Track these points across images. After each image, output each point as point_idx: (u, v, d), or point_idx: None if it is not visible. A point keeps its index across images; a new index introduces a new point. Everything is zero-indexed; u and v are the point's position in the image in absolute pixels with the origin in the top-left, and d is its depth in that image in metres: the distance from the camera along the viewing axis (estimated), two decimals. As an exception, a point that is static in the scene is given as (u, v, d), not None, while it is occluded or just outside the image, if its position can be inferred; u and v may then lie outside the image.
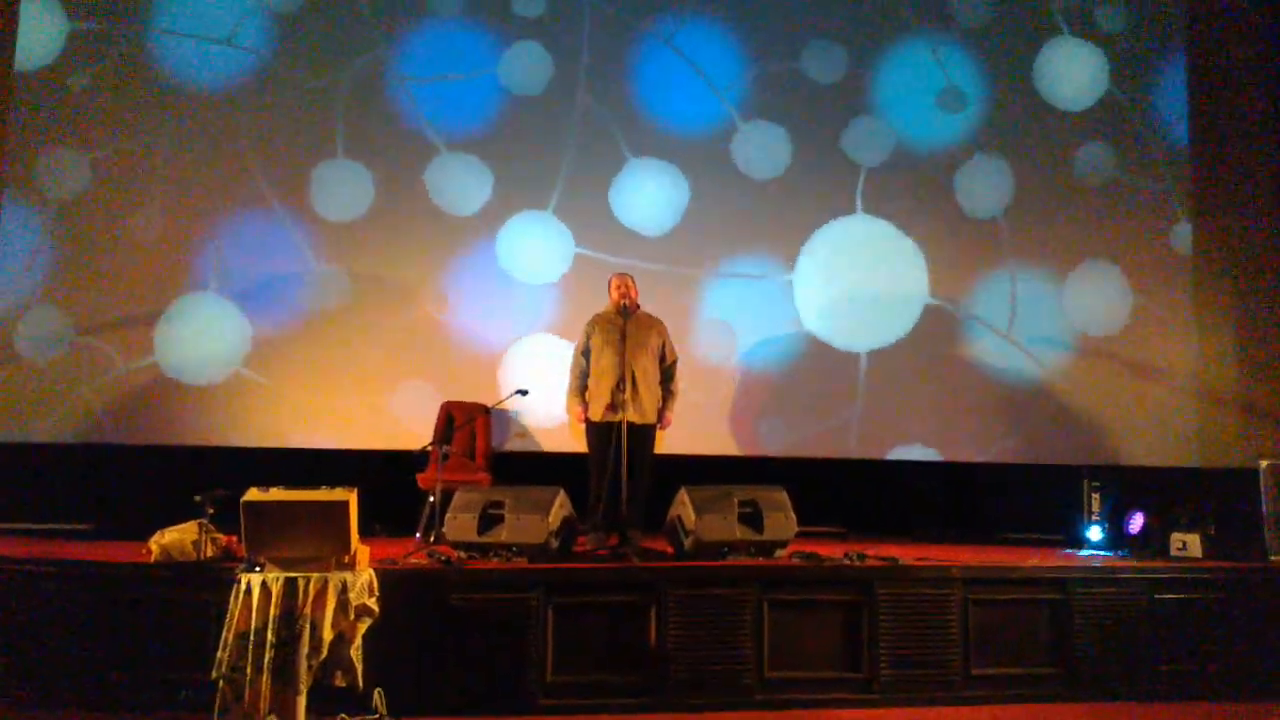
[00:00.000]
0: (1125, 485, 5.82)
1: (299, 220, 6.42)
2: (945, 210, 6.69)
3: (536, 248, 6.55)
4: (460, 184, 6.53)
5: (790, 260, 6.62)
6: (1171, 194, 6.77)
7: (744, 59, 6.73)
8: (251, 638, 3.77)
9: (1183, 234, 6.73)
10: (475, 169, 6.54)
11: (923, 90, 6.76)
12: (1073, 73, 6.82)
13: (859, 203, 6.67)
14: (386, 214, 6.48)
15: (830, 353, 6.59)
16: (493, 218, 6.53)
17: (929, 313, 6.63)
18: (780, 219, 6.62)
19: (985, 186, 6.72)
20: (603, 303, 5.58)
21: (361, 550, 4.05)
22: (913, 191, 6.68)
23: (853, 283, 6.61)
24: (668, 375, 5.47)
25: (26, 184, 6.28)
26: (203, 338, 6.29)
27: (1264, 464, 5.20)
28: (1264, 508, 5.11)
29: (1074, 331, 6.66)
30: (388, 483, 5.68)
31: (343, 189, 6.46)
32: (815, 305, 6.61)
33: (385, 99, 6.54)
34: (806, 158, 6.67)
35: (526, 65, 6.62)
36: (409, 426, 6.23)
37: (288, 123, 6.47)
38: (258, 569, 3.89)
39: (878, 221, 6.67)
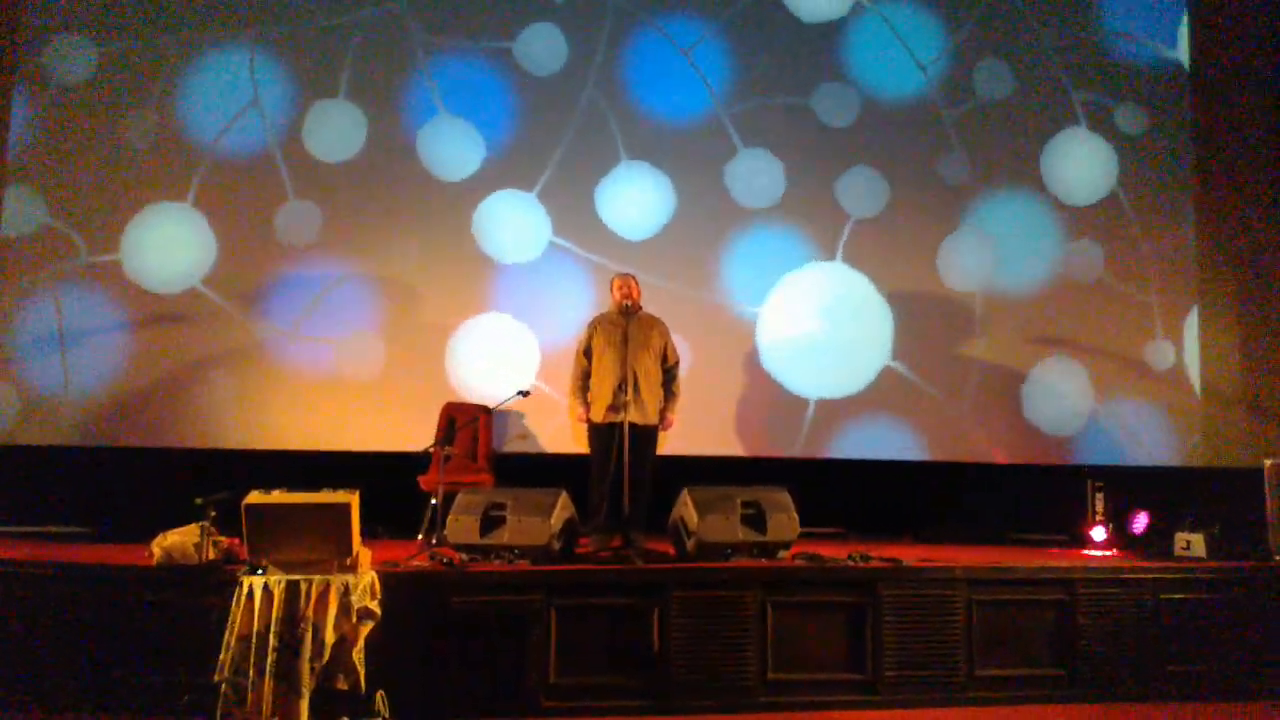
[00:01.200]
0: (1129, 485, 5.80)
1: (287, 151, 6.45)
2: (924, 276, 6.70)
3: (513, 227, 6.54)
4: (452, 149, 6.54)
5: (759, 294, 6.58)
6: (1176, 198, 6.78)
7: (754, 85, 6.71)
8: (254, 641, 3.76)
9: (1186, 240, 6.75)
10: (470, 138, 6.55)
11: (924, 154, 6.72)
12: (1080, 166, 6.80)
13: (840, 251, 6.64)
14: (373, 162, 6.50)
15: (780, 393, 6.56)
16: (476, 188, 6.54)
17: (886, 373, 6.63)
18: (759, 251, 6.57)
19: (968, 260, 6.70)
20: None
21: (363, 553, 4.04)
22: (895, 251, 6.64)
23: (816, 329, 6.56)
24: (670, 376, 5.46)
25: (35, 67, 6.37)
26: (170, 246, 6.33)
27: (1268, 463, 5.18)
28: (1268, 507, 5.09)
29: (1074, 330, 6.65)
30: (390, 485, 5.66)
31: (336, 130, 6.49)
32: (773, 342, 6.54)
33: (397, 50, 6.56)
34: (797, 195, 6.64)
35: (543, 46, 6.63)
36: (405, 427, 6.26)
37: (296, 54, 6.51)
38: (260, 572, 3.88)
39: (855, 273, 6.64)
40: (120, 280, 6.31)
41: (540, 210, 6.56)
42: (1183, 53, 6.92)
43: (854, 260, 6.66)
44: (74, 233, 6.30)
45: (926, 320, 6.63)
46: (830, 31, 6.77)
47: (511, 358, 6.44)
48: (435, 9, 6.61)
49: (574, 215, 6.56)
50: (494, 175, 6.55)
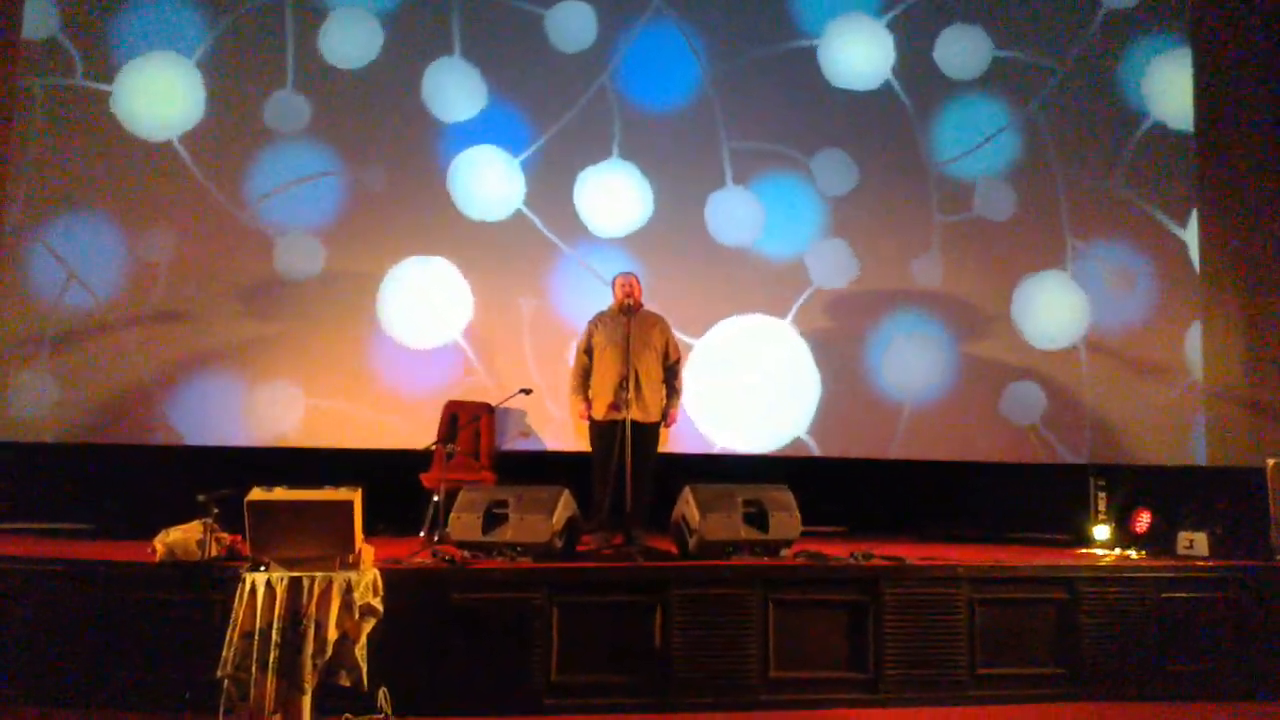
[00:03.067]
0: (1131, 484, 5.79)
1: (300, 44, 6.53)
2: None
3: (486, 185, 6.55)
4: (454, 91, 6.57)
5: (700, 329, 6.57)
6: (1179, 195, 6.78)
7: (764, 132, 6.70)
8: (256, 637, 3.76)
9: (1190, 232, 6.75)
10: (474, 86, 6.58)
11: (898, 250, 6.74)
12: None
13: (794, 313, 6.62)
14: (377, 79, 6.55)
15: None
16: (464, 136, 6.57)
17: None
18: (713, 287, 6.54)
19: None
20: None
21: (366, 550, 4.04)
22: (839, 327, 6.64)
23: (737, 382, 6.50)
24: (671, 374, 5.47)
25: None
26: (158, 94, 6.42)
27: (1271, 462, 5.16)
28: (1271, 506, 5.08)
29: (1080, 329, 6.64)
30: (392, 482, 5.67)
31: (352, 39, 6.54)
32: (693, 386, 6.43)
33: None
34: (768, 246, 6.63)
35: (574, 23, 6.66)
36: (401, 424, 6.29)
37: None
38: (262, 568, 3.88)
39: (799, 341, 6.62)
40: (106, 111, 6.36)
41: (519, 177, 6.57)
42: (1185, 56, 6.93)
43: (805, 326, 6.66)
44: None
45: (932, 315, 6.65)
46: (849, 100, 6.79)
47: (442, 308, 6.45)
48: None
49: (549, 192, 6.58)
50: (486, 129, 6.58)
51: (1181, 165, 6.81)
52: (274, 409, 6.31)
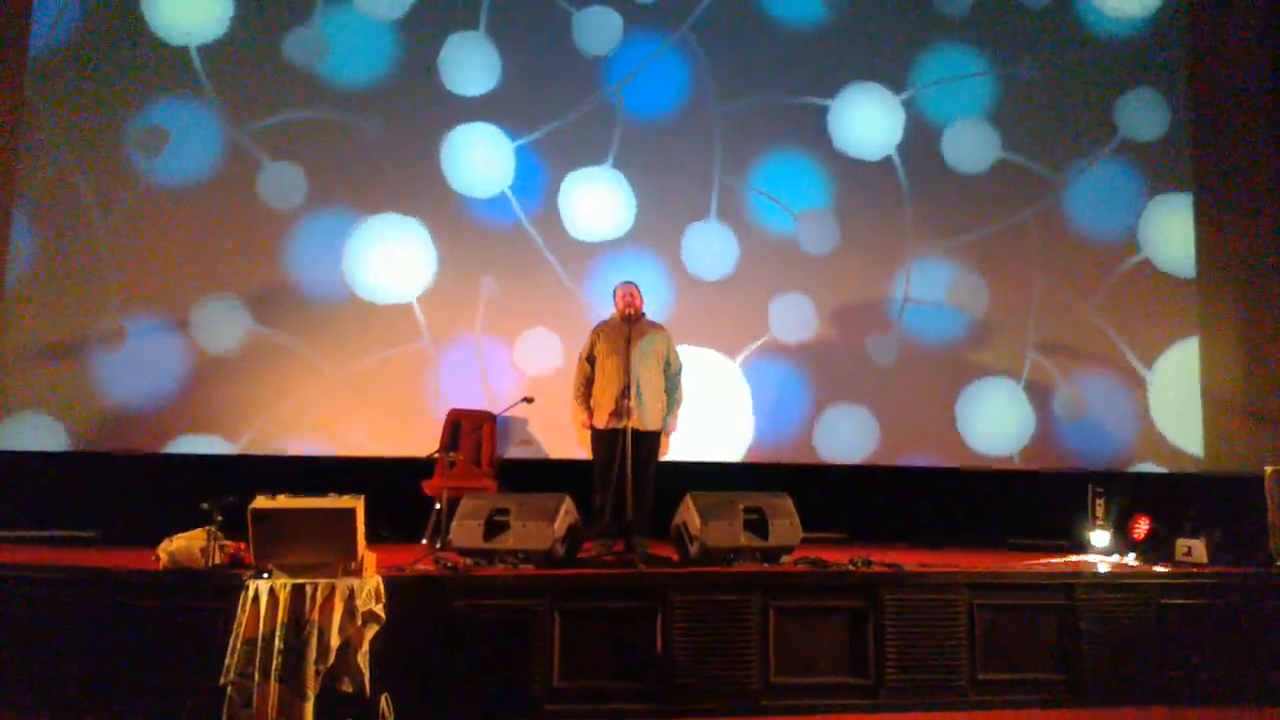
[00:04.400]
0: (1130, 491, 5.81)
1: None
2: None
3: (477, 160, 6.62)
4: (469, 64, 6.64)
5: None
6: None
7: (759, 176, 6.73)
8: (259, 644, 3.77)
9: (1186, 249, 6.78)
10: (490, 64, 6.65)
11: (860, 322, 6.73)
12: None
13: (744, 356, 6.61)
14: (401, 36, 6.65)
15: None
16: (467, 110, 6.64)
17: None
18: (672, 313, 6.45)
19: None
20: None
21: (368, 557, 4.06)
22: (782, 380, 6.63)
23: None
24: (672, 383, 5.49)
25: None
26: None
27: (1269, 470, 5.18)
28: (1270, 513, 5.10)
29: (1076, 336, 6.67)
30: (394, 490, 5.70)
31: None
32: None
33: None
34: (734, 286, 6.63)
35: (599, 29, 6.73)
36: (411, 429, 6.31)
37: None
38: (265, 576, 3.90)
39: (743, 385, 6.59)
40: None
41: (512, 161, 6.63)
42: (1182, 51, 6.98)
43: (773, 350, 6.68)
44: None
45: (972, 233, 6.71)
46: (848, 166, 6.81)
47: (404, 268, 6.52)
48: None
49: (536, 184, 6.63)
50: (491, 108, 6.65)
51: (1179, 173, 6.84)
52: (278, 416, 6.34)
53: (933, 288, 6.71)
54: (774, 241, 6.69)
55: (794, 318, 6.65)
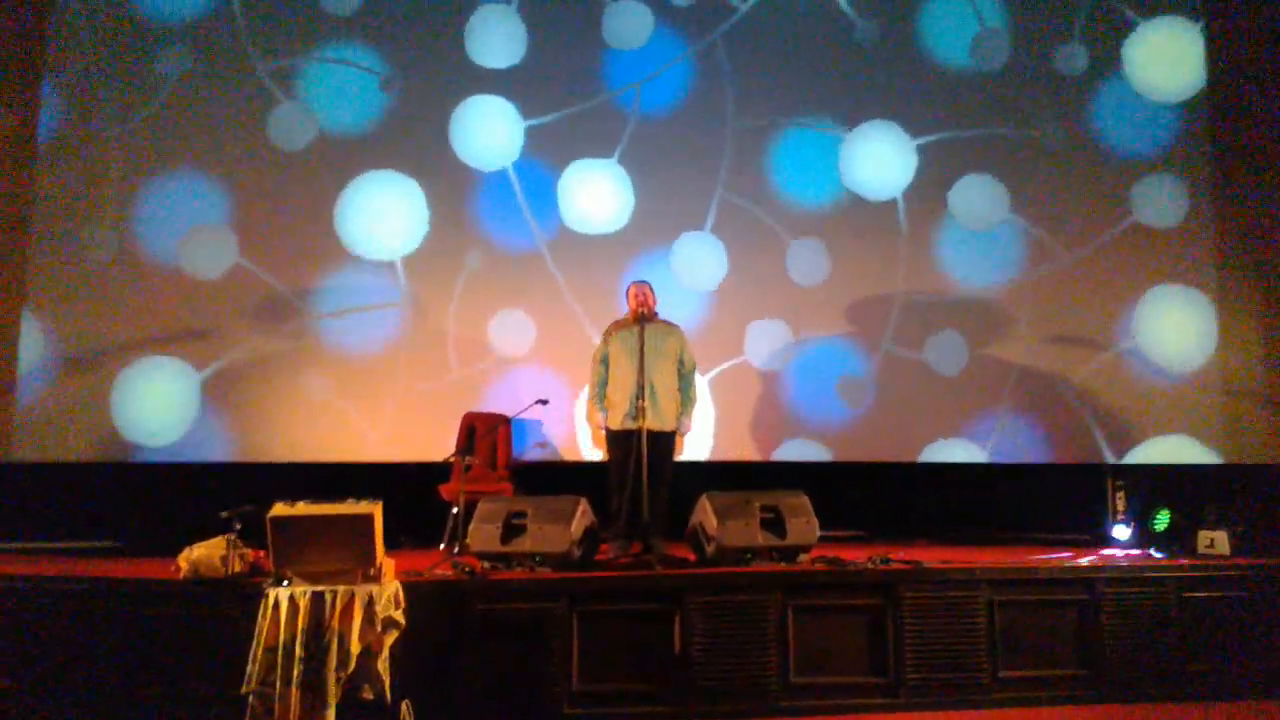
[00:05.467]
0: (1150, 483, 5.76)
1: None
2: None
3: (486, 133, 6.63)
4: (496, 37, 6.66)
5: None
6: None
7: (760, 196, 6.65)
8: (280, 652, 3.80)
9: (1206, 240, 6.67)
10: (515, 40, 6.65)
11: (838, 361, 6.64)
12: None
13: (714, 374, 6.53)
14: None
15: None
16: (485, 82, 6.65)
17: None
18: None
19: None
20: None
21: (387, 563, 4.08)
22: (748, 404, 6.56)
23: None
24: (686, 382, 5.48)
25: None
26: None
27: (1291, 459, 5.15)
28: (1292, 504, 5.06)
29: (1095, 328, 6.62)
30: (412, 494, 5.72)
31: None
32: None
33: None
34: (717, 301, 6.57)
35: (628, 23, 6.71)
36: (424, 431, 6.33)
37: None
38: (285, 583, 3.92)
39: (709, 406, 6.50)
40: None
41: (520, 141, 6.63)
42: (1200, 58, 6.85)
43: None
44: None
45: (952, 316, 6.62)
46: (851, 201, 6.71)
47: (394, 227, 6.52)
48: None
49: (539, 167, 6.63)
50: (509, 84, 6.65)
51: (1197, 172, 6.74)
52: (296, 423, 6.36)
53: (913, 339, 6.60)
54: (764, 263, 6.61)
55: (770, 344, 6.57)
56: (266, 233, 6.46)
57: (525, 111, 6.65)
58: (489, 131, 6.63)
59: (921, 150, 6.71)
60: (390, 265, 6.49)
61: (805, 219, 6.66)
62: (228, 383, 6.36)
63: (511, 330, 6.51)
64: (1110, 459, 6.39)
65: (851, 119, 6.72)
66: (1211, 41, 6.74)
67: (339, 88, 6.57)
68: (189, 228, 6.42)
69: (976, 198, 6.68)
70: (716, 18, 6.75)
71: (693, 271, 6.59)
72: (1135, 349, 6.57)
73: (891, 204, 6.70)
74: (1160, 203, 6.65)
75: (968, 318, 6.60)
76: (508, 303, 6.52)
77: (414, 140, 6.57)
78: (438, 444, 6.10)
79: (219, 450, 6.29)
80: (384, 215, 6.52)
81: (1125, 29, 6.79)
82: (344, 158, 6.53)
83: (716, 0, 6.75)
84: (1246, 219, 6.65)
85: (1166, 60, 6.77)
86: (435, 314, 6.49)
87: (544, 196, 6.61)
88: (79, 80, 6.50)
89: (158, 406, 6.31)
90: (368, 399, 6.40)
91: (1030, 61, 6.78)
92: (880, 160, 6.71)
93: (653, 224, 6.63)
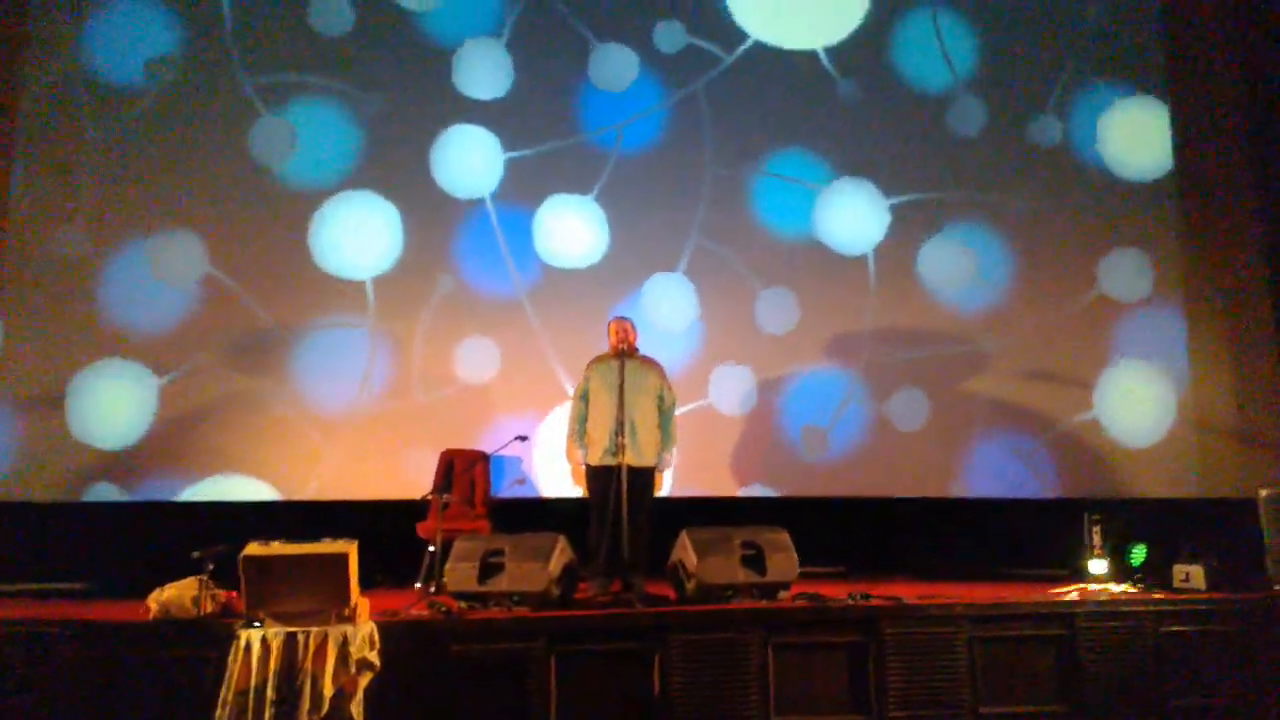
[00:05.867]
0: (1125, 517, 5.81)
1: None
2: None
3: (465, 162, 6.68)
4: (482, 70, 6.74)
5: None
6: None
7: (734, 243, 6.71)
8: (251, 695, 3.74)
9: (1175, 274, 6.81)
10: (502, 74, 6.74)
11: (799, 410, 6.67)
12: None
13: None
14: (429, 25, 6.80)
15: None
16: (467, 111, 6.70)
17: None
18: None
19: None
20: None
21: (362, 603, 4.03)
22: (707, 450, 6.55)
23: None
24: (666, 418, 5.48)
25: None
26: None
27: (1263, 493, 5.20)
28: (1266, 537, 5.10)
29: (1069, 364, 6.70)
30: (389, 532, 5.65)
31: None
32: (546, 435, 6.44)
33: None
34: (685, 344, 6.58)
35: (614, 67, 6.81)
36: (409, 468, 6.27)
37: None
38: (257, 625, 3.87)
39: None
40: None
41: (499, 172, 6.68)
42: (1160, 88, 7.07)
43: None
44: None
45: (915, 373, 6.65)
46: (823, 255, 6.79)
47: (366, 247, 6.54)
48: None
49: (516, 199, 6.67)
50: (492, 114, 6.73)
51: (1163, 208, 6.89)
52: (269, 461, 6.29)
53: (878, 393, 6.63)
54: (734, 311, 6.66)
55: (735, 390, 6.57)
56: (239, 245, 6.47)
57: (507, 144, 6.71)
58: (469, 160, 6.69)
59: (894, 209, 6.79)
60: (358, 285, 6.50)
61: (778, 267, 6.71)
62: (185, 392, 6.31)
63: (477, 358, 6.51)
64: (1086, 493, 6.43)
65: (827, 173, 6.81)
66: (1178, 123, 6.93)
67: (323, 106, 6.62)
68: (160, 234, 6.42)
69: (945, 260, 6.76)
70: (701, 66, 6.86)
71: (661, 311, 6.59)
72: (1097, 419, 6.66)
73: (862, 259, 6.76)
74: (1127, 277, 6.76)
75: (930, 376, 6.64)
76: (475, 330, 6.52)
77: (394, 163, 6.63)
78: (403, 472, 6.11)
79: (190, 488, 6.21)
80: (358, 234, 6.55)
81: (1100, 105, 6.97)
82: (322, 176, 6.56)
83: (702, 50, 6.87)
84: (1215, 259, 6.80)
85: (1137, 138, 6.94)
86: (402, 336, 6.49)
87: (519, 228, 6.65)
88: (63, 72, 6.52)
89: (115, 410, 6.26)
90: (327, 421, 6.36)
91: (1006, 129, 6.93)
92: (853, 216, 6.79)
93: (626, 262, 6.67)
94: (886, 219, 6.79)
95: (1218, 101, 6.99)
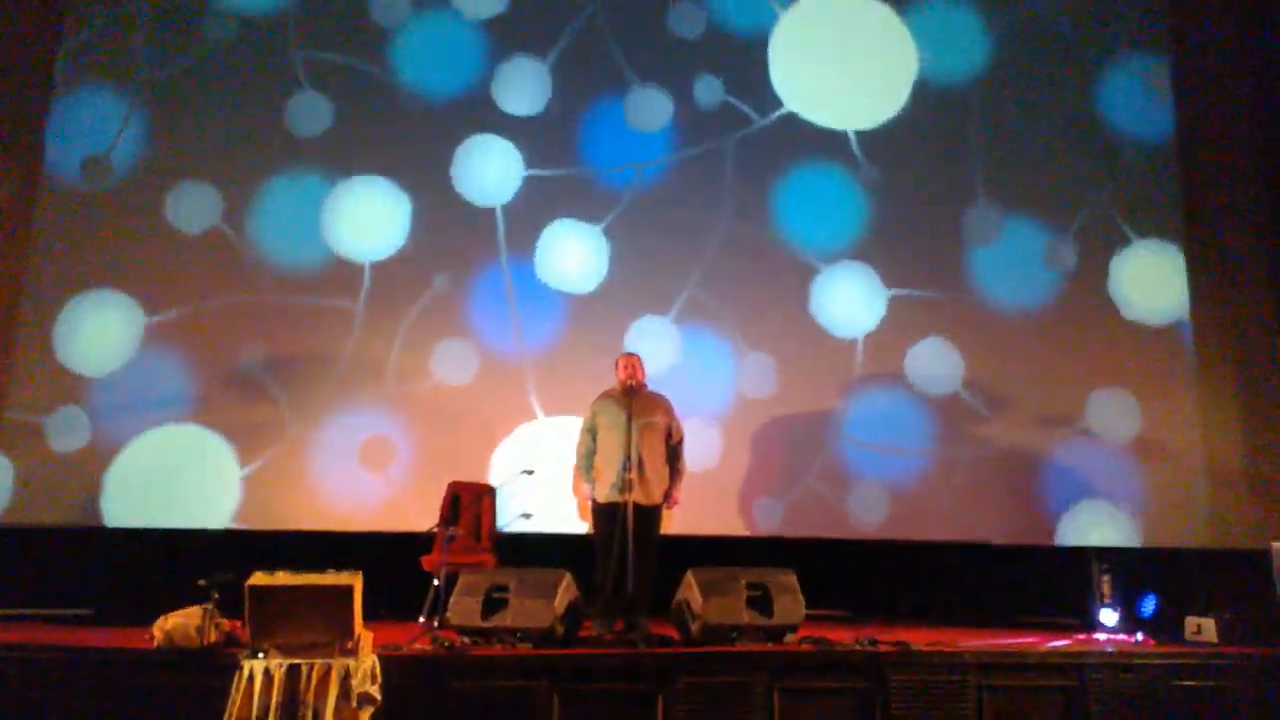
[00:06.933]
0: (1135, 567, 5.75)
1: None
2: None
3: (486, 170, 6.79)
4: (522, 89, 6.87)
5: (552, 410, 6.51)
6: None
7: (727, 302, 6.70)
8: (252, 727, 3.71)
9: (1183, 325, 6.79)
10: (539, 95, 6.87)
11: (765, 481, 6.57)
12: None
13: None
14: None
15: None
16: (497, 124, 6.83)
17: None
18: (588, 387, 5.83)
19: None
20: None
21: (365, 636, 4.01)
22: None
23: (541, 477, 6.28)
24: (674, 454, 5.47)
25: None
26: None
27: (1276, 545, 5.15)
28: (1278, 592, 5.04)
29: (1080, 411, 6.67)
30: (394, 565, 5.63)
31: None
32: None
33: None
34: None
35: (649, 110, 6.92)
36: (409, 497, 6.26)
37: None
38: (260, 655, 3.85)
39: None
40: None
41: (516, 184, 6.76)
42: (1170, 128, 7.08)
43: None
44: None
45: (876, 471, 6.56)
46: (815, 331, 6.73)
47: (373, 230, 6.65)
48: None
49: (527, 212, 6.75)
50: (522, 129, 6.83)
51: (1171, 250, 6.90)
52: (278, 491, 6.30)
53: (837, 483, 6.53)
54: (716, 364, 6.62)
55: (704, 450, 6.45)
56: (253, 205, 6.62)
57: (529, 161, 6.81)
58: (490, 170, 6.80)
59: (892, 301, 6.76)
60: (357, 266, 6.59)
61: (763, 335, 6.68)
62: (177, 330, 6.44)
63: (455, 360, 6.54)
64: (1095, 542, 6.36)
65: (832, 253, 6.80)
66: (1192, 270, 6.83)
67: (363, 91, 6.80)
68: (177, 185, 6.62)
69: (934, 362, 6.68)
70: (733, 124, 6.93)
71: (644, 353, 6.05)
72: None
73: (852, 344, 6.72)
74: (1115, 418, 6.64)
75: (893, 477, 6.52)
76: (458, 333, 6.57)
77: (417, 158, 6.75)
78: (422, 511, 6.05)
79: (198, 516, 6.20)
80: (368, 218, 6.67)
81: (1117, 242, 6.87)
82: (345, 157, 6.71)
83: (737, 109, 6.94)
84: (1225, 309, 6.78)
85: (1150, 281, 6.82)
86: (388, 325, 6.55)
87: (524, 242, 6.72)
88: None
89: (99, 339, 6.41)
90: (295, 389, 6.43)
91: (1020, 248, 6.85)
92: (850, 299, 6.75)
93: (620, 297, 6.69)
94: (882, 310, 6.75)
95: (1230, 246, 6.92)
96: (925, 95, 7.03)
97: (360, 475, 6.35)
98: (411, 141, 6.77)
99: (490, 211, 6.74)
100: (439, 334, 6.57)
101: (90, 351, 6.38)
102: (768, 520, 6.48)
